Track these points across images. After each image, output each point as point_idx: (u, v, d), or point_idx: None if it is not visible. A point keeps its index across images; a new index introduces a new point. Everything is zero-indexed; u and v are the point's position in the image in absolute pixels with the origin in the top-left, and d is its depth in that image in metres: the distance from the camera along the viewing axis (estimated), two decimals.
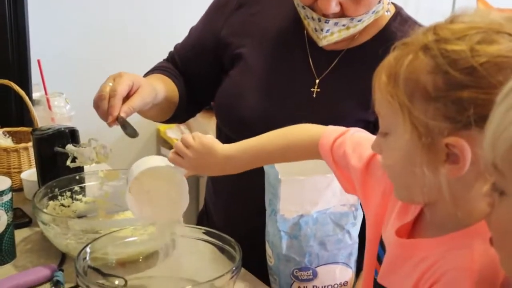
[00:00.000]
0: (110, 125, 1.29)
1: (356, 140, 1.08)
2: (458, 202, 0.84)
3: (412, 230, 0.94)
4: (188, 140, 1.15)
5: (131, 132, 1.29)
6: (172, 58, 1.60)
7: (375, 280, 1.00)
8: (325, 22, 1.33)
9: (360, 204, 1.28)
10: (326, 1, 1.29)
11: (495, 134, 0.68)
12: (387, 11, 1.39)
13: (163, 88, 1.46)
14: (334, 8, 1.30)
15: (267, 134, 1.17)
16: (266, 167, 1.28)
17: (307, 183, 1.24)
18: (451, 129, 0.79)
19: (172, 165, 1.17)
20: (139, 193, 1.18)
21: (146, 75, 1.55)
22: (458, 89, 0.78)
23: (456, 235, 0.84)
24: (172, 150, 1.17)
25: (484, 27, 0.81)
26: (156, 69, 1.58)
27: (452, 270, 0.82)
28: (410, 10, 1.47)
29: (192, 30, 1.58)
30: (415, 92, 0.81)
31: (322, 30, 1.34)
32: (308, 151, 1.13)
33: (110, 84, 1.29)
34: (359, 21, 1.33)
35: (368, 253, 1.04)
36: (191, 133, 1.17)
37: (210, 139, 1.16)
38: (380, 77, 0.86)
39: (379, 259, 0.99)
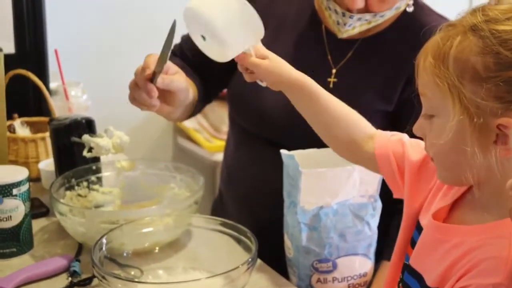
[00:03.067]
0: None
1: (411, 139, 1.07)
2: (502, 186, 0.82)
3: (449, 214, 0.94)
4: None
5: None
6: (180, 50, 1.57)
7: (404, 264, 1.00)
8: (350, 18, 1.31)
9: (380, 195, 1.27)
10: None
11: None
12: (408, 7, 1.37)
13: (193, 89, 1.43)
14: (360, 4, 1.29)
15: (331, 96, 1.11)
16: (285, 159, 1.28)
17: (328, 175, 1.23)
18: (502, 109, 0.80)
19: None
20: None
21: None
22: (510, 69, 0.79)
23: (495, 225, 0.84)
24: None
25: None
26: None
27: (488, 259, 0.82)
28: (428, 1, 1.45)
29: None
30: (465, 74, 0.81)
31: (345, 24, 1.32)
32: (351, 140, 1.09)
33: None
34: (381, 16, 1.32)
35: (401, 238, 1.04)
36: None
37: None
38: (426, 59, 0.86)
39: (413, 243, 0.99)
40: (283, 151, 1.28)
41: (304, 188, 1.23)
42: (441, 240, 0.90)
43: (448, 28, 0.86)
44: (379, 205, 1.28)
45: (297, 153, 1.28)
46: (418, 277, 0.93)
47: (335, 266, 1.26)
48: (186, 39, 1.57)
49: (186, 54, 1.56)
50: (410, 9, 1.37)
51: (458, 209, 0.94)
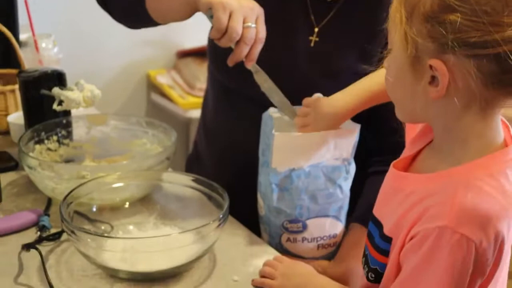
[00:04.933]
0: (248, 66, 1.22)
1: None
2: (449, 132, 0.89)
3: (411, 163, 0.97)
4: None
5: (270, 86, 1.25)
6: None
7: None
8: None
9: (354, 158, 1.27)
10: None
11: None
12: None
13: None
14: None
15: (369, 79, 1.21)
16: (264, 116, 1.27)
17: (300, 139, 1.22)
18: (435, 50, 0.84)
19: None
20: None
21: None
22: (447, 12, 0.82)
23: (444, 173, 0.88)
24: None
25: None
26: None
27: (435, 205, 0.85)
28: None
29: None
30: (414, 11, 0.85)
31: None
32: None
33: (252, 25, 1.19)
34: None
35: None
36: None
37: None
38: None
39: None
40: (272, 109, 1.27)
41: (276, 151, 1.22)
42: (397, 188, 0.93)
43: None
44: (352, 168, 1.28)
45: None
46: (379, 225, 0.96)
47: (305, 227, 1.26)
48: None
49: None
50: None
51: (419, 159, 0.97)
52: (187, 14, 1.30)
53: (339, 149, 1.25)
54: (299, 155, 1.23)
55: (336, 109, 1.21)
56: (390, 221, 0.93)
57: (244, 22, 1.18)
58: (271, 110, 1.28)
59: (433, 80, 0.85)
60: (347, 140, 1.24)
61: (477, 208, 0.83)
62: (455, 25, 0.81)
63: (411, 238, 0.87)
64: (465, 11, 0.81)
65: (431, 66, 0.84)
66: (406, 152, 1.00)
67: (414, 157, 0.98)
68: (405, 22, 0.86)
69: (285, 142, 1.21)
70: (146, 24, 1.42)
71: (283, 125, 1.25)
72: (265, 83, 1.25)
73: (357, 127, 1.24)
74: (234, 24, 1.16)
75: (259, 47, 1.21)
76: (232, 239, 1.25)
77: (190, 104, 2.50)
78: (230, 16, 1.17)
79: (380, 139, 1.35)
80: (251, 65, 1.23)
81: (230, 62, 1.22)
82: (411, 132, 1.05)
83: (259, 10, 1.21)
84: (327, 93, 1.25)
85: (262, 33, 1.20)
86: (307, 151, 1.23)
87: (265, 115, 1.28)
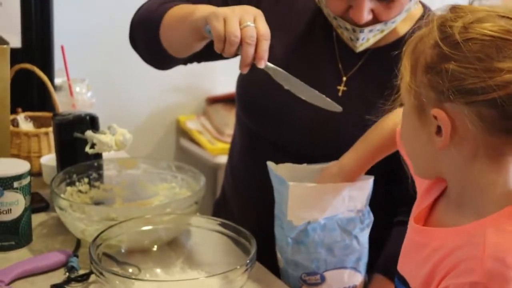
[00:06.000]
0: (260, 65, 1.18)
1: None
2: (463, 182, 0.89)
3: (429, 215, 0.96)
4: None
5: (284, 76, 1.20)
6: None
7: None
8: (360, 32, 1.31)
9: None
10: (359, 11, 1.26)
11: None
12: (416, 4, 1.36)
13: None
14: (367, 17, 1.28)
15: (368, 135, 1.23)
16: (269, 172, 1.28)
17: (316, 190, 1.23)
18: (435, 99, 0.85)
19: None
20: None
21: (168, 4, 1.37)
22: (444, 61, 0.84)
23: (471, 227, 0.87)
24: None
25: (492, 10, 0.85)
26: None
27: (465, 260, 0.84)
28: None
29: None
30: (418, 63, 0.88)
31: (357, 39, 1.32)
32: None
33: (250, 24, 1.17)
34: (393, 22, 1.31)
35: None
36: None
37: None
38: (404, 50, 0.93)
39: None
40: (269, 163, 1.28)
41: (292, 202, 1.22)
42: (422, 243, 0.92)
43: (425, 23, 0.92)
44: (368, 219, 1.27)
45: (284, 166, 1.28)
46: (404, 282, 0.95)
47: (323, 279, 1.26)
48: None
49: None
50: (416, 7, 1.36)
51: (437, 210, 0.96)
52: (195, 40, 1.30)
53: (353, 201, 1.25)
54: (314, 207, 1.23)
55: (347, 172, 1.23)
56: (417, 277, 0.91)
57: (240, 24, 1.17)
58: (270, 164, 1.28)
59: (439, 130, 0.86)
60: (361, 192, 1.25)
61: (507, 262, 0.82)
62: (452, 73, 0.83)
63: None
64: (459, 59, 0.83)
65: (435, 116, 0.85)
66: (423, 202, 0.98)
67: (431, 207, 0.97)
68: (409, 74, 0.88)
69: (300, 192, 1.22)
70: (166, 60, 1.43)
71: (291, 177, 1.25)
72: (286, 81, 1.21)
73: (370, 179, 1.25)
74: (230, 27, 1.16)
75: (264, 44, 1.17)
76: (258, 285, 1.24)
77: (219, 150, 2.52)
78: (225, 22, 1.17)
79: (405, 189, 1.35)
80: (263, 65, 1.19)
81: (242, 68, 1.18)
82: (420, 181, 1.04)
83: (255, 11, 1.20)
84: (355, 142, 1.26)
85: (263, 30, 1.18)
86: (322, 203, 1.23)
87: (269, 170, 1.28)
